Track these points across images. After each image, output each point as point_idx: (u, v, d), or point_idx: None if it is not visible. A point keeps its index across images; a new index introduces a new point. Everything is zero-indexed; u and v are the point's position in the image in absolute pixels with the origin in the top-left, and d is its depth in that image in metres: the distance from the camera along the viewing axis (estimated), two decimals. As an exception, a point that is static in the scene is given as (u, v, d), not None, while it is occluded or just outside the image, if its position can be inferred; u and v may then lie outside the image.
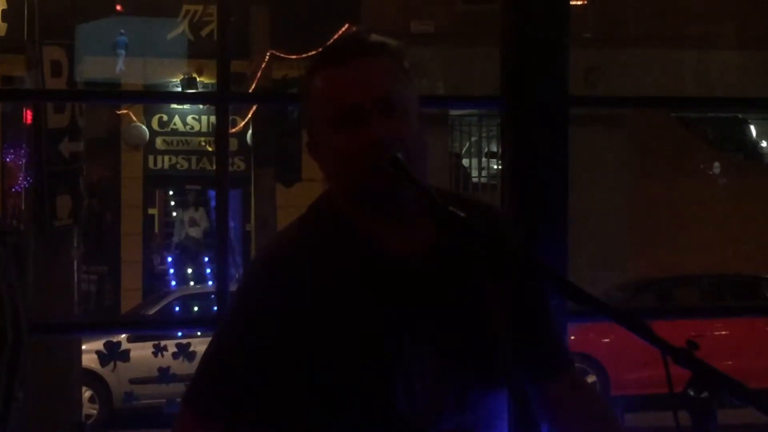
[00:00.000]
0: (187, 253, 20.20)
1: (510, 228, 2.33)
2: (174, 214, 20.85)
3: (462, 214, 2.03)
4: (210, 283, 17.59)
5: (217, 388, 2.12)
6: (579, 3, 17.39)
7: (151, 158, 19.99)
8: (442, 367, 2.11)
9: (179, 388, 9.19)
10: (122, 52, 18.18)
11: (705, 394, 1.83)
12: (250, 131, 17.82)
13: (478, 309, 2.14)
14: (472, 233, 2.10)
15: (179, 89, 18.34)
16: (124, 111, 19.17)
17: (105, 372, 12.84)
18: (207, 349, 2.17)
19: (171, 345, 10.23)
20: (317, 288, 2.09)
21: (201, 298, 15.61)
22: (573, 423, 2.27)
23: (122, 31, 18.05)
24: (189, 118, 19.90)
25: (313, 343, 2.07)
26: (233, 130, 17.28)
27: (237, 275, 13.65)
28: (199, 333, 9.53)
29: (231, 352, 2.13)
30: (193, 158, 20.09)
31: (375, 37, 2.16)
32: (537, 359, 2.24)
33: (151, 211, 20.45)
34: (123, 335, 12.00)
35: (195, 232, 20.55)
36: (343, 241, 2.12)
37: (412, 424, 2.09)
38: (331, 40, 2.31)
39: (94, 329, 7.79)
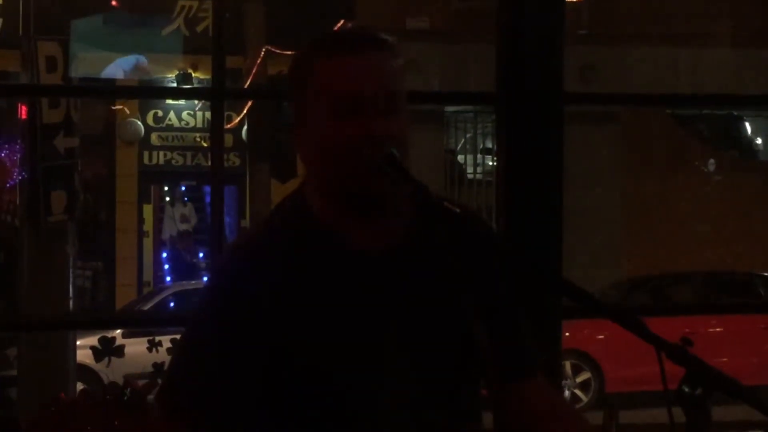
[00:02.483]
0: (180, 248, 20.19)
1: (490, 229, 2.34)
2: (164, 209, 20.83)
3: (457, 210, 2.04)
4: (205, 279, 17.57)
5: (187, 382, 2.09)
6: (574, 0, 17.38)
7: (146, 154, 19.96)
8: (412, 362, 2.09)
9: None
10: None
11: (699, 391, 1.83)
12: (245, 127, 17.79)
13: (450, 305, 2.13)
14: (468, 230, 2.11)
15: (174, 85, 18.31)
16: (119, 106, 19.13)
17: (99, 367, 12.81)
18: (178, 344, 2.16)
19: (165, 341, 10.20)
20: (285, 277, 2.07)
21: (196, 294, 15.59)
22: (526, 427, 2.23)
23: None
24: (184, 114, 19.87)
25: (281, 333, 2.05)
26: (228, 126, 17.26)
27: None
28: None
29: (200, 344, 2.10)
30: (188, 154, 20.06)
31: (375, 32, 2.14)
32: (501, 360, 2.21)
33: (146, 206, 20.43)
34: (118, 331, 11.98)
35: (186, 228, 20.54)
36: (310, 232, 2.11)
37: (383, 419, 2.07)
38: (338, 29, 2.29)
39: (88, 325, 7.79)
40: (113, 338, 10.60)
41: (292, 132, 2.15)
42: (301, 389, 2.06)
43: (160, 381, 2.19)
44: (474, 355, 2.16)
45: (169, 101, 19.56)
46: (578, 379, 13.78)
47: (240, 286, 2.07)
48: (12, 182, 16.90)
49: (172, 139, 20.04)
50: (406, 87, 2.13)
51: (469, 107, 17.29)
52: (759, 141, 20.59)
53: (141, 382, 1.95)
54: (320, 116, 2.07)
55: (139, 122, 19.57)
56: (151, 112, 19.81)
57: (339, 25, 14.96)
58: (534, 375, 2.25)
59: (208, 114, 17.42)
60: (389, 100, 2.06)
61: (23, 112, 8.27)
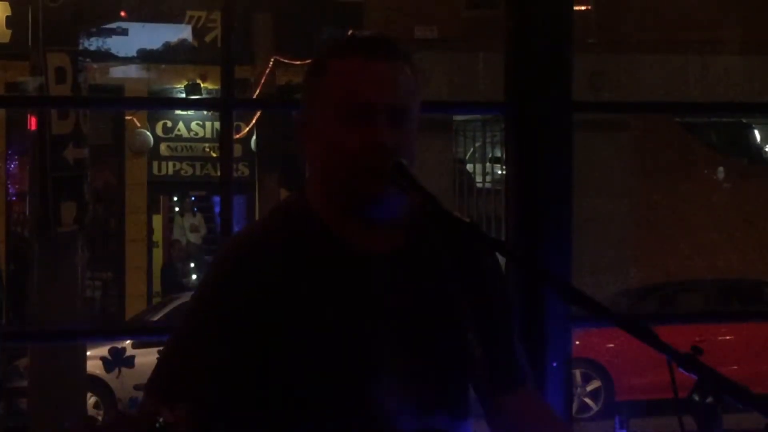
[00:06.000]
0: (189, 259, 20.23)
1: (492, 240, 2.32)
2: (174, 219, 20.87)
3: (467, 220, 2.04)
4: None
5: (179, 372, 2.07)
6: (583, 8, 17.38)
7: (155, 164, 20.00)
8: (406, 367, 2.09)
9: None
10: None
11: (710, 399, 1.83)
12: (254, 137, 17.83)
13: (444, 313, 2.13)
14: (480, 239, 2.10)
15: (183, 95, 18.35)
16: (129, 117, 19.17)
17: (110, 378, 12.84)
18: (170, 336, 2.13)
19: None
20: (283, 274, 2.06)
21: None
22: None
23: None
24: (193, 124, 19.91)
25: (276, 329, 2.04)
26: (237, 135, 17.28)
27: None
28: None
29: (194, 336, 2.08)
30: (198, 164, 20.09)
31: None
32: (491, 370, 2.19)
33: (155, 217, 20.45)
34: (128, 341, 11.99)
35: (195, 238, 20.57)
36: (311, 232, 2.10)
37: (375, 421, 2.06)
38: (357, 33, 2.27)
39: (98, 336, 7.79)
40: (123, 349, 10.61)
41: (298, 127, 2.14)
42: (293, 388, 2.05)
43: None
44: (467, 364, 2.15)
45: (178, 112, 19.60)
46: (588, 388, 13.76)
47: (237, 282, 2.06)
48: (22, 193, 16.93)
49: (182, 150, 20.08)
50: (419, 100, 2.12)
51: (478, 116, 17.29)
52: (768, 148, 20.58)
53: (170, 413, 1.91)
54: (329, 118, 2.06)
55: (148, 133, 19.60)
56: (161, 123, 19.85)
57: (348, 34, 14.95)
58: (524, 385, 2.24)
59: (217, 124, 17.47)
60: (401, 112, 2.05)
61: (33, 123, 8.30)
